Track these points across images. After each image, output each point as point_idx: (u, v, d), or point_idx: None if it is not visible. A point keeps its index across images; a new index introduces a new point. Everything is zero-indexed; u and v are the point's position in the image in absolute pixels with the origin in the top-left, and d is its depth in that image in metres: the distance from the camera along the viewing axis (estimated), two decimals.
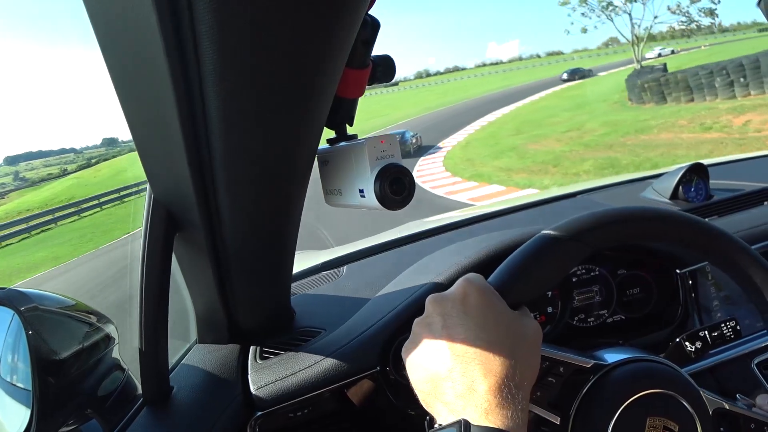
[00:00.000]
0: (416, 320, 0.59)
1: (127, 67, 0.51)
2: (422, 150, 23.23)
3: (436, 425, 0.51)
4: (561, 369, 0.64)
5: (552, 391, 0.64)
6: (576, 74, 49.96)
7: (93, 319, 0.82)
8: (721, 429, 0.68)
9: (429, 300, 0.59)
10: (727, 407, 0.65)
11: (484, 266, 0.97)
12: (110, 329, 0.84)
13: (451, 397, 0.51)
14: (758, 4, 0.84)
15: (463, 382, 0.50)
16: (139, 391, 0.83)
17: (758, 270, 0.63)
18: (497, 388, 0.49)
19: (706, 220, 0.65)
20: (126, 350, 0.86)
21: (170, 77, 0.46)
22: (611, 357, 0.67)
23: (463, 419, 0.47)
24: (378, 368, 0.86)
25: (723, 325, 1.04)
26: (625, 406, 0.60)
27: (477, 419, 0.47)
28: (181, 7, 0.40)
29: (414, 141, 23.97)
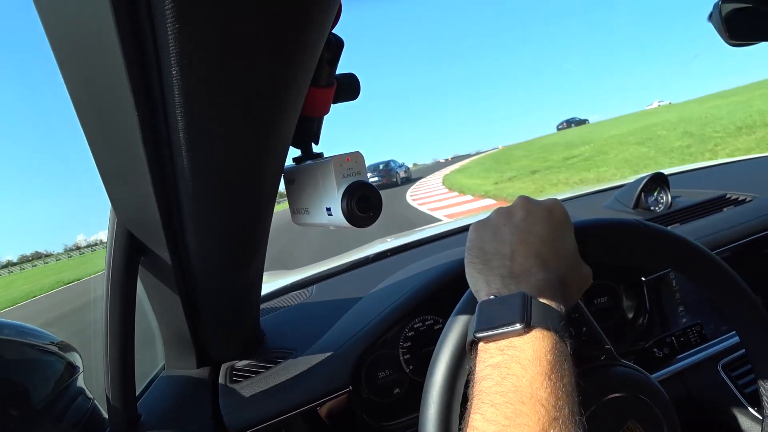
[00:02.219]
0: (497, 208, 0.62)
1: (88, 87, 0.50)
2: (411, 182, 23.21)
3: (486, 297, 0.53)
4: (584, 329, 0.66)
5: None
6: (572, 122, 59.00)
7: (55, 347, 0.80)
8: None
9: (520, 198, 0.62)
10: None
11: (452, 281, 0.97)
12: (74, 357, 0.82)
13: (506, 273, 0.54)
14: (709, 18, 0.87)
15: (522, 264, 0.54)
16: (107, 420, 0.80)
17: (721, 275, 0.65)
18: (550, 279, 0.53)
19: (669, 228, 0.67)
20: (91, 378, 0.84)
21: (132, 97, 0.45)
22: None
23: (524, 291, 0.50)
24: (350, 387, 0.86)
25: (689, 329, 1.07)
26: (611, 398, 0.62)
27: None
28: (143, 28, 0.39)
29: (403, 173, 23.97)
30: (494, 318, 0.49)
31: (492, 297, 0.52)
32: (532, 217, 0.58)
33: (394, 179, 23.31)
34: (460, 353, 0.57)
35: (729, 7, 0.83)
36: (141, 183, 0.56)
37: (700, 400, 1.01)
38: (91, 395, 0.83)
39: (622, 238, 0.64)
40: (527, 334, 0.47)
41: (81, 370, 0.82)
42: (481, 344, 0.50)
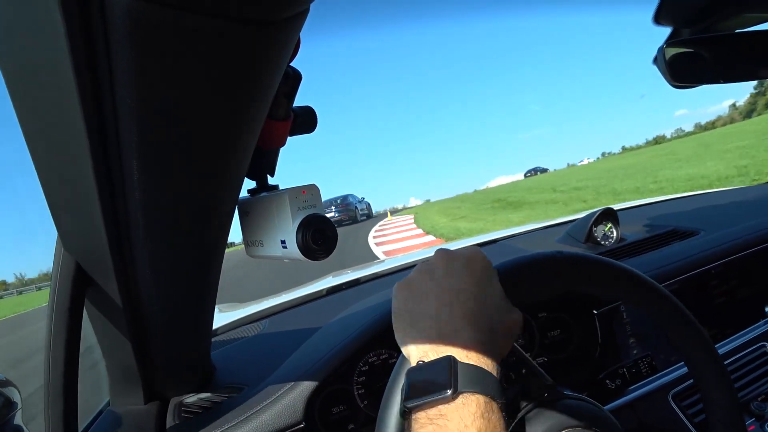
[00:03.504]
0: (419, 265, 0.61)
1: (38, 114, 0.49)
2: (372, 219, 22.16)
3: (416, 361, 0.52)
4: (523, 371, 0.66)
5: (508, 385, 0.64)
6: (537, 170, 68.84)
7: None
8: None
9: (438, 251, 0.61)
10: None
11: None
12: (12, 393, 0.78)
13: (434, 335, 0.53)
14: (654, 61, 0.91)
15: (449, 324, 0.53)
16: None
17: (669, 307, 0.66)
18: (479, 337, 0.52)
19: (619, 261, 0.68)
20: (30, 416, 0.80)
21: (85, 127, 0.44)
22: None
23: (450, 356, 0.49)
24: (303, 423, 0.84)
25: (640, 361, 1.09)
26: None
27: (459, 358, 0.49)
28: (100, 57, 0.39)
29: (364, 208, 22.92)
30: (422, 386, 0.49)
31: (420, 362, 0.52)
32: (453, 271, 0.57)
33: (353, 215, 22.29)
34: (399, 422, 0.56)
35: (672, 51, 0.88)
36: (90, 212, 0.55)
37: (651, 430, 1.02)
38: None
39: (545, 270, 0.64)
40: (455, 401, 0.47)
41: (19, 406, 0.78)
42: (413, 413, 0.49)
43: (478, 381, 0.48)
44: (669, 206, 2.14)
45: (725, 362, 1.00)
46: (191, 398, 0.93)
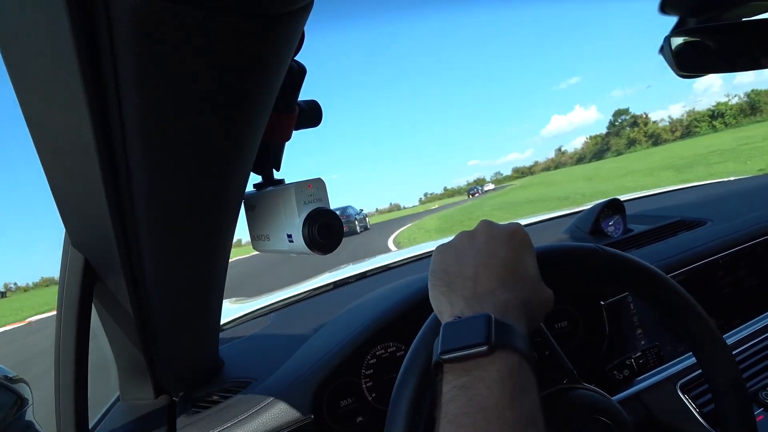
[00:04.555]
0: (461, 232, 0.63)
1: (44, 111, 0.49)
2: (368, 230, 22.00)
3: (450, 318, 0.53)
4: (546, 353, 0.66)
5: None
6: (478, 190, 77.47)
7: (5, 380, 0.77)
8: None
9: (483, 221, 0.63)
10: None
11: (414, 308, 0.97)
12: (23, 389, 0.79)
13: (470, 294, 0.54)
14: (660, 51, 0.90)
15: (485, 285, 0.54)
16: None
17: (676, 298, 0.66)
18: (514, 301, 0.53)
19: (627, 253, 0.68)
20: (42, 411, 0.81)
21: (90, 123, 0.44)
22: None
23: (488, 313, 0.50)
24: (311, 416, 0.84)
25: (647, 352, 1.09)
26: (574, 421, 0.62)
27: (495, 316, 0.50)
28: (104, 53, 0.39)
29: (362, 219, 22.69)
30: (459, 339, 0.49)
31: (456, 318, 0.52)
32: (495, 240, 0.59)
33: (353, 227, 21.90)
34: (425, 375, 0.57)
35: (678, 41, 0.87)
36: (98, 208, 0.55)
37: (660, 420, 1.02)
38: (40, 429, 0.80)
39: (583, 263, 0.65)
40: (492, 355, 0.47)
41: (30, 402, 0.79)
42: (446, 365, 0.49)
43: (514, 338, 0.48)
44: (676, 197, 2.12)
45: (733, 352, 1.00)
46: (200, 392, 0.93)
